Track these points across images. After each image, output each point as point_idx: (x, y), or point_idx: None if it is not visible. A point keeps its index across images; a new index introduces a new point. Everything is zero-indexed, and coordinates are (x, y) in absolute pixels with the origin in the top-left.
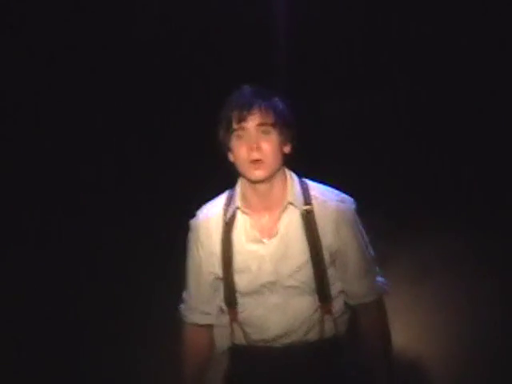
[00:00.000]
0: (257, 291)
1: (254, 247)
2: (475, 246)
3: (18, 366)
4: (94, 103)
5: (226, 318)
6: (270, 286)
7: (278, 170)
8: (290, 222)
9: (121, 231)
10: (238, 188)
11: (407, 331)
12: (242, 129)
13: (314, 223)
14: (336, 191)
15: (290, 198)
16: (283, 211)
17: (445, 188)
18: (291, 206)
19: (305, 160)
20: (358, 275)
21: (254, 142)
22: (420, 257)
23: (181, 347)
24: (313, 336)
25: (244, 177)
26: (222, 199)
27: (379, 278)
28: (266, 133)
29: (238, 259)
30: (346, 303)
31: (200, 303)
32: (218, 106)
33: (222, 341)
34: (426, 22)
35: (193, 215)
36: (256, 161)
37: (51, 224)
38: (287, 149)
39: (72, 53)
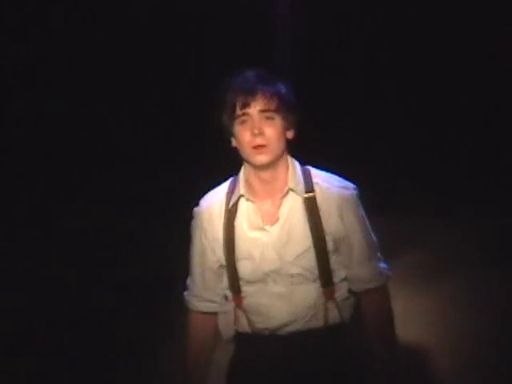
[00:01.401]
0: (260, 280)
1: (257, 234)
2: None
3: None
4: (95, 96)
5: (230, 306)
6: (274, 275)
7: (282, 155)
8: (292, 208)
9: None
10: (242, 174)
11: (409, 317)
12: (246, 114)
13: (317, 209)
14: (338, 178)
15: (290, 184)
16: (284, 197)
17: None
18: (293, 193)
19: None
20: (363, 259)
21: (258, 128)
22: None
23: (185, 334)
24: (317, 323)
25: (247, 162)
26: (224, 187)
27: (382, 264)
28: (269, 118)
29: (241, 246)
30: (349, 290)
31: (204, 290)
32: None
33: (226, 328)
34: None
35: (196, 203)
36: (259, 146)
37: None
38: (290, 134)
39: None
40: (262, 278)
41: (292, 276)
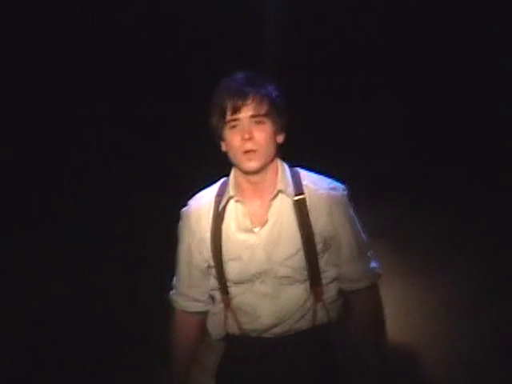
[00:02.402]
0: (248, 280)
1: (245, 236)
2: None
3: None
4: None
5: (220, 307)
6: (261, 276)
7: (272, 159)
8: (281, 210)
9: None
10: (232, 176)
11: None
12: (236, 119)
13: (306, 211)
14: (328, 179)
15: (279, 186)
16: (273, 199)
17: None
18: (282, 195)
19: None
20: (352, 259)
21: (247, 133)
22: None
23: (170, 332)
24: (304, 324)
25: (237, 167)
26: (214, 188)
27: (373, 264)
28: (259, 123)
29: (230, 248)
30: (338, 292)
31: (190, 289)
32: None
33: (216, 329)
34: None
35: (185, 204)
36: (249, 151)
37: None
38: (280, 138)
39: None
40: (250, 279)
41: (281, 277)
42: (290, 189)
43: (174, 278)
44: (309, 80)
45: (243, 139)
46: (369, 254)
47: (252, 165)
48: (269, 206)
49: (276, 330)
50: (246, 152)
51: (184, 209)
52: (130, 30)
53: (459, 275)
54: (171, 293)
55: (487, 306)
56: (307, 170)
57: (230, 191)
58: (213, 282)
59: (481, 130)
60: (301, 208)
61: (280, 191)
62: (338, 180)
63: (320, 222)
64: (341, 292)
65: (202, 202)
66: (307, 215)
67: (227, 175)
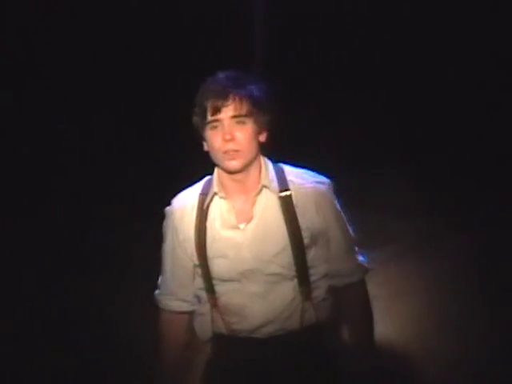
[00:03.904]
0: (235, 279)
1: (231, 233)
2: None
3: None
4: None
5: (206, 307)
6: (249, 275)
7: (254, 158)
8: (267, 206)
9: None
10: (215, 175)
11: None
12: (216, 120)
13: (292, 207)
14: (312, 173)
15: (263, 182)
16: (258, 194)
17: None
18: (267, 191)
19: None
20: (341, 253)
21: (229, 133)
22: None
23: (157, 333)
24: (293, 323)
25: (219, 167)
26: (198, 187)
27: (361, 257)
28: (240, 123)
29: (215, 246)
30: (327, 291)
31: (175, 289)
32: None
33: (203, 330)
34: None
35: (168, 203)
36: (231, 152)
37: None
38: (263, 137)
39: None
40: (237, 278)
41: (269, 275)
42: (275, 184)
43: (160, 278)
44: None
45: (224, 140)
46: (356, 248)
47: (234, 164)
48: (253, 202)
49: (265, 330)
50: (228, 152)
51: (168, 208)
52: (124, 28)
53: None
54: (156, 292)
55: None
56: (291, 165)
57: (215, 187)
58: (199, 281)
59: (477, 121)
60: (287, 203)
61: (264, 186)
62: (321, 173)
63: (307, 216)
64: (330, 291)
65: (186, 201)
66: (293, 210)
67: (211, 174)
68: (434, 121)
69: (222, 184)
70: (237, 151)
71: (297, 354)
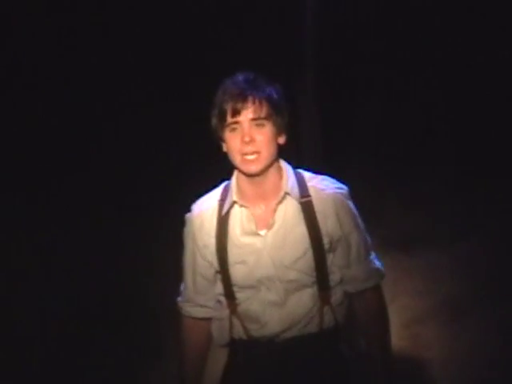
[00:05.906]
0: (253, 286)
1: (251, 240)
2: None
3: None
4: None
5: (225, 312)
6: (267, 282)
7: (273, 161)
8: (287, 212)
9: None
10: (234, 180)
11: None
12: (236, 122)
13: (313, 213)
14: (331, 179)
15: (286, 189)
16: (280, 202)
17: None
18: (288, 197)
19: None
20: (360, 259)
21: (248, 135)
22: None
23: (179, 339)
24: (312, 328)
25: (238, 169)
26: (217, 192)
27: (377, 262)
28: (259, 125)
29: (235, 252)
30: (343, 295)
31: (196, 295)
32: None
33: (221, 335)
34: None
35: (188, 210)
36: (250, 153)
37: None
38: (282, 140)
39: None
40: (255, 285)
41: (288, 282)
42: (296, 191)
43: (181, 285)
44: None
45: (243, 142)
46: (373, 253)
47: (253, 168)
48: (275, 209)
49: (283, 335)
50: (247, 154)
51: (187, 214)
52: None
53: None
54: (178, 299)
55: None
56: (308, 171)
57: (234, 196)
58: (219, 286)
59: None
60: (308, 209)
61: (287, 193)
62: (339, 181)
63: (328, 223)
64: (345, 295)
65: (205, 207)
66: (315, 216)
67: (229, 178)
68: None
69: (240, 190)
70: (256, 154)
71: (314, 358)
